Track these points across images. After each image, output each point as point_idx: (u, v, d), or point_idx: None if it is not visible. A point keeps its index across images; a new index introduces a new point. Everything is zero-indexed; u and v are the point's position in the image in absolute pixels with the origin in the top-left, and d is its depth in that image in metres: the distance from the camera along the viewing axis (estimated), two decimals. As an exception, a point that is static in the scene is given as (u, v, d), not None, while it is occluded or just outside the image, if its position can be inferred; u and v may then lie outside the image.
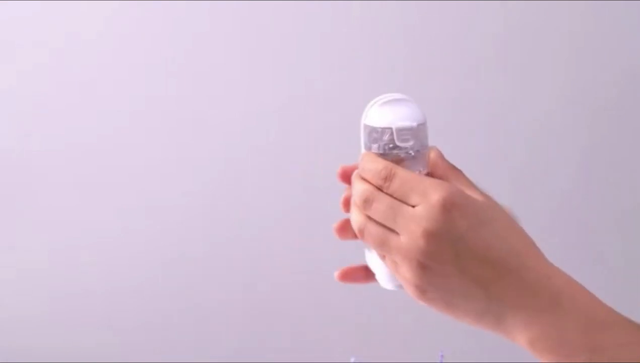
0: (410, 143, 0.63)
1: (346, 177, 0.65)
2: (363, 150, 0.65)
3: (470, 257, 0.56)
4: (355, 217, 0.61)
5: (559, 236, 1.52)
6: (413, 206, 0.57)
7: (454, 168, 0.64)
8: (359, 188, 0.61)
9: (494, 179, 1.51)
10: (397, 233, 0.58)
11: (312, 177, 1.44)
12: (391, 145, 0.63)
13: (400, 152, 0.63)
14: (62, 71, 1.48)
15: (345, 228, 0.65)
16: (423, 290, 0.58)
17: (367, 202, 0.60)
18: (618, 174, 1.51)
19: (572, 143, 1.51)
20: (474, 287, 0.56)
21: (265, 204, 1.49)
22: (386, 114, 0.64)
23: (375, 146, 0.64)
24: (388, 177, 0.59)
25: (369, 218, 0.60)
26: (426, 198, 0.57)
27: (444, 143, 1.53)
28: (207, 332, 1.54)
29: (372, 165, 0.61)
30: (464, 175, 0.63)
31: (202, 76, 1.48)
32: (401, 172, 0.59)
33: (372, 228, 0.59)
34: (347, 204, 0.64)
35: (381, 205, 0.59)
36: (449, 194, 0.57)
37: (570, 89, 1.49)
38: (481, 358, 1.47)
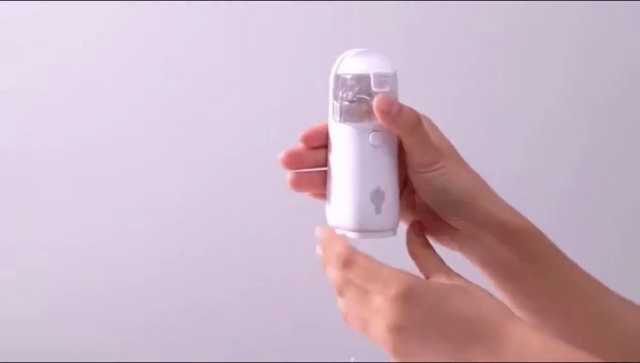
0: (386, 89, 0.65)
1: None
2: (331, 103, 0.66)
3: (435, 338, 0.58)
4: (331, 275, 0.63)
5: (559, 236, 1.52)
6: (375, 297, 0.60)
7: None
8: (330, 276, 0.63)
9: (494, 179, 1.51)
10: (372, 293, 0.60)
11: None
12: (365, 93, 0.65)
13: (372, 99, 0.64)
14: (62, 71, 1.48)
15: (299, 181, 0.68)
16: (397, 351, 0.60)
17: (339, 291, 0.62)
18: (618, 174, 1.51)
19: (572, 143, 1.51)
20: (445, 354, 0.58)
21: (265, 204, 1.49)
22: (361, 62, 0.69)
23: (349, 94, 0.64)
24: (346, 264, 0.60)
25: (344, 278, 0.62)
26: (384, 292, 0.58)
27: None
28: (207, 332, 1.54)
29: (330, 250, 0.62)
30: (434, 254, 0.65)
31: (202, 76, 1.48)
32: (360, 259, 0.60)
33: (349, 295, 0.62)
34: (290, 160, 0.68)
35: (350, 294, 0.61)
36: (404, 287, 0.58)
37: (570, 89, 1.49)
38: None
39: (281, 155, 0.69)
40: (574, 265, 0.70)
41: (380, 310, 0.59)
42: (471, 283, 0.60)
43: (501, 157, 1.51)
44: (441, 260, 0.63)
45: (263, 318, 1.53)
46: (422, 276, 0.63)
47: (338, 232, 0.65)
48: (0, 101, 1.49)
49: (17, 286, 1.52)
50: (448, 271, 0.62)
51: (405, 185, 0.68)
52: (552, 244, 0.70)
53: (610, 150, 1.51)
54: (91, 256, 1.51)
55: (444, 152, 0.67)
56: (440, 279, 0.61)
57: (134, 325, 1.54)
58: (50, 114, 1.49)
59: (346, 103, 0.65)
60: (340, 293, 0.62)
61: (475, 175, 0.70)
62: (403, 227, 0.68)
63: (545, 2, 1.46)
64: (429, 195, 0.66)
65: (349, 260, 0.60)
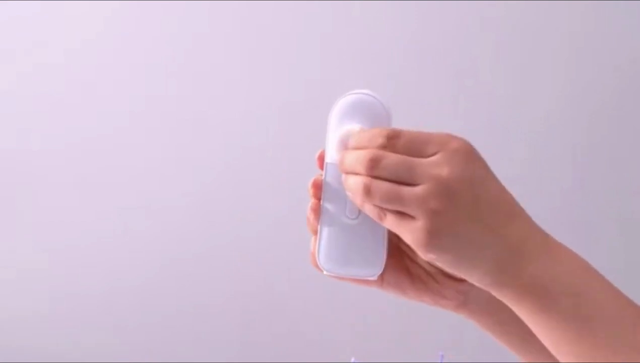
0: None
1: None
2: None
3: (486, 202, 0.57)
4: (356, 179, 0.59)
5: (559, 236, 1.52)
6: (429, 156, 0.57)
7: None
8: (359, 153, 0.58)
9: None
10: (411, 185, 0.56)
11: (312, 177, 1.44)
12: None
13: None
14: (62, 71, 1.48)
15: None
16: (436, 236, 0.56)
17: (373, 161, 0.57)
18: (618, 174, 1.51)
19: (572, 143, 1.51)
20: (487, 234, 0.57)
21: (265, 204, 1.49)
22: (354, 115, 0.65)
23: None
24: (393, 136, 0.57)
25: (375, 177, 0.58)
26: (445, 147, 0.57)
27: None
28: (207, 332, 1.54)
29: (369, 132, 0.59)
30: None
31: (202, 76, 1.48)
32: (406, 131, 0.58)
33: (381, 184, 0.57)
34: (317, 187, 0.65)
35: (391, 162, 0.57)
36: (468, 143, 0.58)
37: (570, 89, 1.49)
38: (481, 358, 1.47)
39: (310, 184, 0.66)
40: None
41: (436, 162, 0.56)
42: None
43: (500, 157, 1.51)
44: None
45: (263, 318, 1.53)
46: None
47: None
48: (0, 101, 1.49)
49: (17, 286, 1.52)
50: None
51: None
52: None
53: (610, 150, 1.51)
54: (91, 256, 1.51)
55: None
56: None
57: (134, 325, 1.54)
58: (50, 114, 1.49)
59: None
60: (373, 161, 0.57)
61: None
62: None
63: (545, 2, 1.46)
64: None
65: (395, 132, 0.57)
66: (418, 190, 0.56)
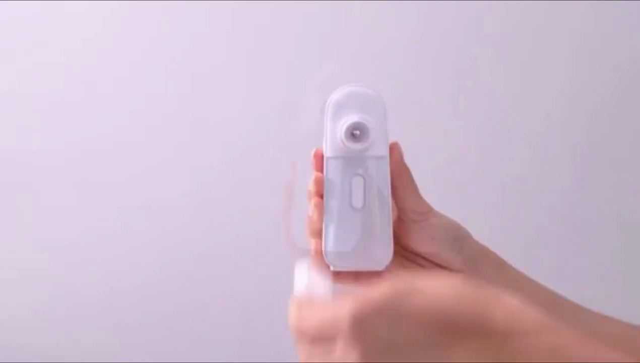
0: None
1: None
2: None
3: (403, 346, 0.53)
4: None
5: (559, 236, 1.52)
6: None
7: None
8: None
9: (493, 179, 1.51)
10: None
11: (312, 176, 1.44)
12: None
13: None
14: (62, 71, 1.48)
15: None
16: None
17: (299, 326, 0.61)
18: (618, 174, 1.51)
19: (572, 143, 1.51)
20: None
21: (265, 204, 1.49)
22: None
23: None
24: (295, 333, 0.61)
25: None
26: (339, 332, 0.55)
27: (443, 142, 1.53)
28: (207, 332, 1.54)
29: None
30: None
31: (202, 76, 1.48)
32: (302, 326, 0.59)
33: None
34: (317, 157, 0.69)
35: (310, 328, 0.60)
36: (354, 313, 0.53)
37: (570, 89, 1.49)
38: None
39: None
40: (556, 294, 0.71)
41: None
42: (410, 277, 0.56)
43: (501, 156, 1.51)
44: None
45: (263, 318, 1.53)
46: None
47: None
48: (0, 101, 1.49)
49: (17, 286, 1.52)
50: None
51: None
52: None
53: (610, 150, 1.51)
54: (91, 256, 1.51)
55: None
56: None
57: (134, 325, 1.54)
58: (50, 114, 1.49)
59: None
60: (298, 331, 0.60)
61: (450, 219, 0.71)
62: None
63: (545, 2, 1.46)
64: (426, 241, 0.68)
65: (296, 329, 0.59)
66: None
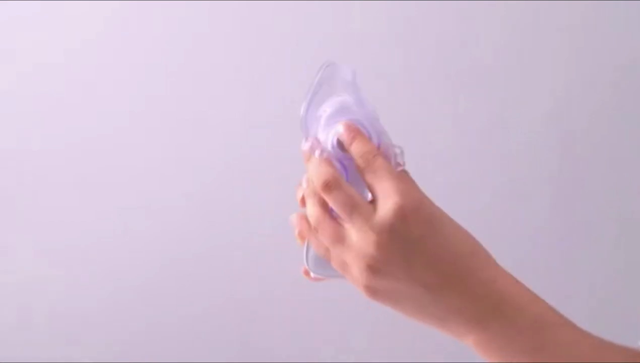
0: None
1: None
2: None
3: (419, 264, 0.57)
4: (312, 209, 0.61)
5: (559, 236, 1.52)
6: (372, 201, 0.58)
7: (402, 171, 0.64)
8: (322, 171, 0.60)
9: (493, 179, 1.51)
10: (351, 228, 0.58)
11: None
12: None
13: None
14: (62, 71, 1.48)
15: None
16: (373, 291, 0.58)
17: (327, 186, 0.59)
18: (618, 174, 1.51)
19: (572, 143, 1.51)
20: (422, 292, 0.57)
21: (265, 204, 1.49)
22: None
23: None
24: (326, 186, 0.59)
25: (325, 210, 0.60)
26: (385, 200, 0.57)
27: (442, 142, 1.53)
28: (207, 332, 1.54)
29: (314, 171, 0.61)
30: (408, 177, 0.62)
31: (202, 76, 1.48)
32: (342, 185, 0.59)
33: (327, 224, 0.59)
34: (304, 201, 0.65)
35: (341, 194, 0.58)
36: (407, 201, 0.57)
37: (570, 89, 1.49)
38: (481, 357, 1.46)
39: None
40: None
41: (371, 219, 0.57)
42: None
43: (501, 156, 1.51)
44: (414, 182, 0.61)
45: (263, 318, 1.53)
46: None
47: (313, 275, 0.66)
48: (0, 101, 1.49)
49: (17, 286, 1.52)
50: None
51: None
52: None
53: (610, 150, 1.51)
54: (91, 256, 1.51)
55: None
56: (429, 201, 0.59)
57: (134, 325, 1.54)
58: (50, 114, 1.49)
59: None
60: (327, 186, 0.59)
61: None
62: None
63: (545, 2, 1.46)
64: None
65: (329, 182, 0.59)
66: (354, 242, 0.57)
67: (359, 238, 0.57)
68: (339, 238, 0.58)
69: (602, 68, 1.48)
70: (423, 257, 0.56)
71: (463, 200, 1.49)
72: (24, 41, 1.47)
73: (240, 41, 1.47)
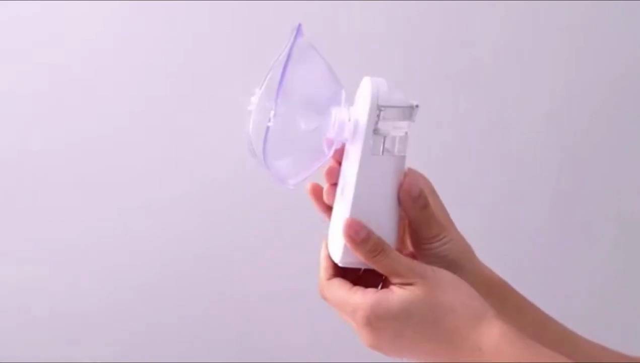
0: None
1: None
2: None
3: (408, 350, 0.65)
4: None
5: (559, 236, 1.52)
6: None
7: None
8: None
9: (492, 179, 1.51)
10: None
11: (312, 177, 1.44)
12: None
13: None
14: (62, 71, 1.48)
15: (317, 192, 0.73)
16: (376, 349, 0.67)
17: (323, 295, 0.70)
18: (618, 174, 1.51)
19: (572, 143, 1.51)
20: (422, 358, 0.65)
21: (265, 205, 1.49)
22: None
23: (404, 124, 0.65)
24: (322, 295, 0.70)
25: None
26: (354, 320, 0.65)
27: (442, 142, 1.53)
28: (207, 332, 1.54)
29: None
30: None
31: (202, 76, 1.48)
32: (330, 291, 0.68)
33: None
34: (330, 174, 0.72)
35: (333, 302, 0.69)
36: (368, 313, 0.64)
37: (570, 89, 1.49)
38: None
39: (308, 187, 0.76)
40: (546, 314, 0.74)
41: (357, 332, 0.66)
42: (436, 285, 0.63)
43: (501, 156, 1.51)
44: (402, 260, 0.66)
45: (263, 318, 1.53)
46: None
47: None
48: (0, 101, 1.49)
49: (17, 286, 1.52)
50: (411, 271, 0.64)
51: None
52: (524, 297, 0.75)
53: (610, 150, 1.51)
54: (91, 256, 1.51)
55: (445, 224, 0.71)
56: (406, 288, 0.64)
57: (134, 325, 1.54)
58: (50, 114, 1.49)
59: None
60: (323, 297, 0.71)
61: (464, 238, 0.73)
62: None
63: (545, 2, 1.46)
64: (429, 260, 0.70)
65: (322, 292, 0.69)
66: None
67: (355, 327, 0.67)
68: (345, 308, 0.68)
69: (602, 68, 1.48)
70: (405, 344, 0.64)
71: (463, 200, 1.49)
72: (24, 41, 1.47)
73: (240, 41, 1.47)
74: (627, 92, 1.49)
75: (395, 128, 0.64)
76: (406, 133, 0.65)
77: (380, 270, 0.66)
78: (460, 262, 0.70)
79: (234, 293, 1.53)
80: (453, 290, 0.63)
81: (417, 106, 0.64)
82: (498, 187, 1.51)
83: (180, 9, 1.45)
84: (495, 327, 0.61)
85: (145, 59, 1.48)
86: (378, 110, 0.65)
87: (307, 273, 1.51)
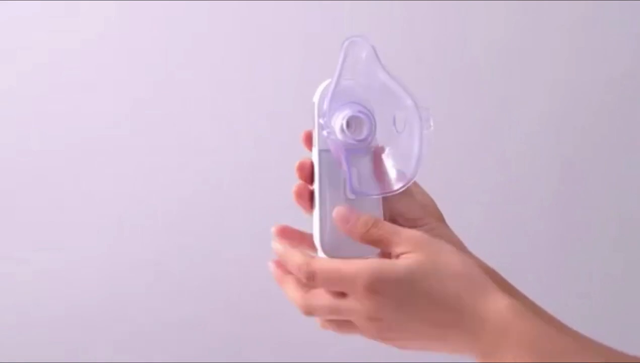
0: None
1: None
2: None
3: (411, 322, 0.61)
4: (295, 298, 0.69)
5: (559, 236, 1.52)
6: (347, 296, 0.63)
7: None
8: (292, 295, 0.69)
9: (492, 179, 1.51)
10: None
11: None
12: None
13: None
14: (62, 71, 1.48)
15: (301, 194, 0.72)
16: (379, 340, 0.65)
17: (309, 309, 0.66)
18: (618, 174, 1.51)
19: (572, 143, 1.51)
20: (426, 336, 0.62)
21: (266, 205, 1.49)
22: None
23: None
24: (309, 277, 0.64)
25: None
26: (353, 289, 0.61)
27: (442, 142, 1.53)
28: (207, 332, 1.54)
29: (290, 259, 0.68)
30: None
31: (202, 76, 1.48)
32: (318, 266, 0.63)
33: (320, 301, 0.65)
34: (301, 169, 0.73)
35: (321, 309, 0.65)
36: (371, 279, 0.61)
37: (570, 89, 1.49)
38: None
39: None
40: (539, 306, 0.73)
41: (354, 309, 0.62)
42: (437, 250, 0.62)
43: (500, 156, 1.51)
44: (398, 229, 0.64)
45: (263, 318, 1.53)
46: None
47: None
48: (0, 101, 1.49)
49: (16, 286, 1.52)
50: (409, 239, 0.63)
51: None
52: (515, 287, 0.73)
53: (610, 150, 1.51)
54: (91, 256, 1.51)
55: (430, 210, 0.70)
56: (407, 256, 0.62)
57: (134, 325, 1.54)
58: (50, 114, 1.49)
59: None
60: (309, 309, 0.66)
61: (453, 233, 0.72)
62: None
63: (545, 2, 1.46)
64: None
65: (309, 271, 0.64)
66: (354, 324, 0.64)
67: (356, 320, 0.64)
68: (333, 311, 0.64)
69: (601, 68, 1.48)
70: (409, 318, 0.61)
71: (463, 200, 1.49)
72: (24, 41, 1.47)
73: (240, 41, 1.47)
74: (626, 92, 1.49)
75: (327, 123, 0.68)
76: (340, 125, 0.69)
77: (378, 245, 0.64)
78: None
79: (234, 294, 1.53)
80: (455, 258, 0.61)
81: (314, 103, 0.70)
82: (498, 187, 1.51)
83: (180, 9, 1.46)
84: (504, 298, 0.60)
85: (145, 59, 1.48)
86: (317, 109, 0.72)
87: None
